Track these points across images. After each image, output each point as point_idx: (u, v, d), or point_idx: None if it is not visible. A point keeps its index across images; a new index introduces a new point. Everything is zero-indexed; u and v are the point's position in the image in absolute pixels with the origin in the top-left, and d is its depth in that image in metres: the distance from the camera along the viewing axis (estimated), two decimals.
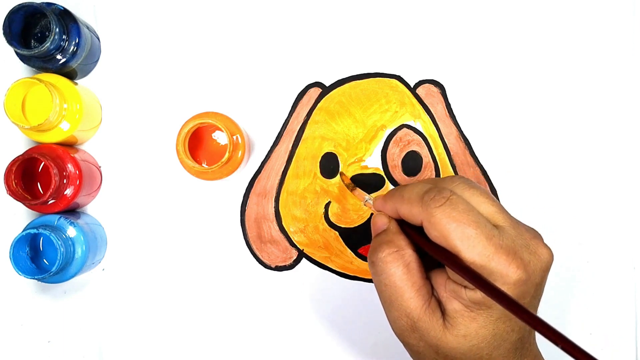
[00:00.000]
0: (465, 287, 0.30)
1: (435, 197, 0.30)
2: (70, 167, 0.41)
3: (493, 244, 0.28)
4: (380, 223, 0.34)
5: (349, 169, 0.45)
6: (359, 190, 0.41)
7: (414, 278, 0.31)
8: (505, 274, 0.28)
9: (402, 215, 0.32)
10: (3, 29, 0.38)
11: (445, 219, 0.29)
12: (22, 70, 0.44)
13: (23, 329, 0.45)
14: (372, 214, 0.45)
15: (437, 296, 0.32)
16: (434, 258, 0.32)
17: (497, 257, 0.28)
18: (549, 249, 0.31)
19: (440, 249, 0.30)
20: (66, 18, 0.41)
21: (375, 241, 0.33)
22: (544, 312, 0.34)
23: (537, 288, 0.30)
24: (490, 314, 0.30)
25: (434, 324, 0.31)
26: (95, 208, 0.45)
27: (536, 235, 0.31)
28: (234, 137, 0.42)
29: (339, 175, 0.45)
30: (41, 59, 0.40)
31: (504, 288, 0.28)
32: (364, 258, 0.45)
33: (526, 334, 0.32)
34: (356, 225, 0.45)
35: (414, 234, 0.32)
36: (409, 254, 0.32)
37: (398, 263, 0.31)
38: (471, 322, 0.30)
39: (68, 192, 0.41)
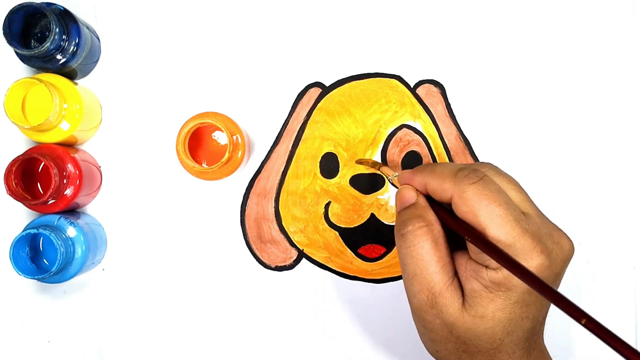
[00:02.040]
0: (486, 267, 0.30)
1: (470, 175, 0.30)
2: (70, 167, 0.41)
3: (520, 226, 0.29)
4: (408, 196, 0.34)
5: (349, 168, 0.45)
6: (385, 168, 0.40)
7: (441, 253, 0.32)
8: (530, 257, 0.29)
9: (431, 190, 0.33)
10: (3, 29, 0.38)
11: (477, 196, 0.29)
12: (22, 70, 0.44)
13: (23, 329, 0.45)
14: (372, 214, 0.45)
15: (458, 276, 0.32)
16: (456, 240, 0.33)
17: (523, 239, 0.29)
18: (571, 240, 0.31)
19: (467, 225, 0.30)
20: (66, 18, 0.41)
21: (404, 214, 0.33)
22: None
23: (557, 278, 0.31)
24: (508, 296, 0.30)
25: (453, 302, 0.31)
26: (95, 208, 0.45)
27: (559, 227, 0.32)
28: (234, 137, 0.42)
29: (338, 177, 0.45)
30: (41, 59, 0.40)
31: None
32: (364, 258, 0.45)
33: (537, 324, 0.32)
34: (356, 225, 0.45)
35: (440, 209, 0.33)
36: (438, 229, 0.32)
37: (427, 237, 0.32)
38: (489, 303, 0.30)
39: (68, 192, 0.41)
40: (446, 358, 0.33)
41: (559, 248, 0.30)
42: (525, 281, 0.27)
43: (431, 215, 0.33)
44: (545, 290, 0.26)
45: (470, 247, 0.31)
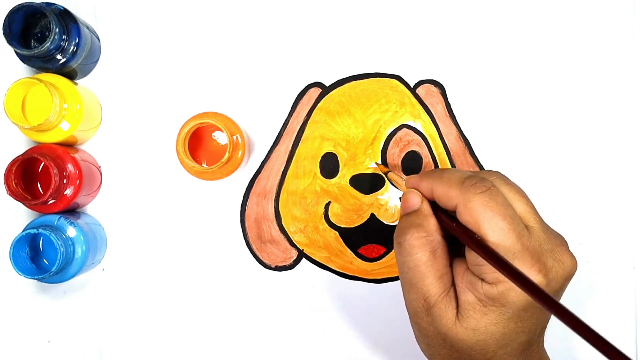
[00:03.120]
0: (482, 280, 0.30)
1: (477, 184, 0.30)
2: (70, 167, 0.41)
3: (521, 242, 0.28)
4: (412, 202, 0.33)
5: (349, 168, 0.45)
6: (393, 175, 0.40)
7: (438, 265, 0.31)
8: (527, 275, 0.28)
9: (437, 195, 0.32)
10: (3, 29, 0.38)
11: (482, 207, 0.29)
12: (22, 70, 0.44)
13: (23, 329, 0.45)
14: (372, 214, 0.45)
15: (455, 286, 0.32)
16: (458, 248, 0.32)
17: (522, 256, 0.28)
18: (574, 258, 0.30)
19: (471, 233, 0.29)
20: (66, 18, 0.41)
21: (404, 221, 0.33)
22: None
23: (556, 295, 0.30)
24: (502, 311, 0.29)
25: (447, 313, 0.31)
26: (95, 208, 0.45)
27: (563, 242, 0.31)
28: (234, 137, 0.42)
29: (338, 177, 0.45)
30: (41, 59, 0.40)
31: (519, 292, 0.28)
32: (364, 258, 0.45)
33: (535, 337, 0.32)
34: (356, 225, 0.45)
35: (445, 217, 0.32)
36: (438, 240, 0.32)
37: (425, 248, 0.31)
38: (482, 316, 0.30)
39: (68, 192, 0.41)
40: None
41: (560, 265, 0.30)
42: (528, 292, 0.26)
43: (432, 225, 0.32)
44: (549, 302, 0.25)
45: (469, 258, 0.31)
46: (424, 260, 0.31)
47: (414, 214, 0.33)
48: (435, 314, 0.31)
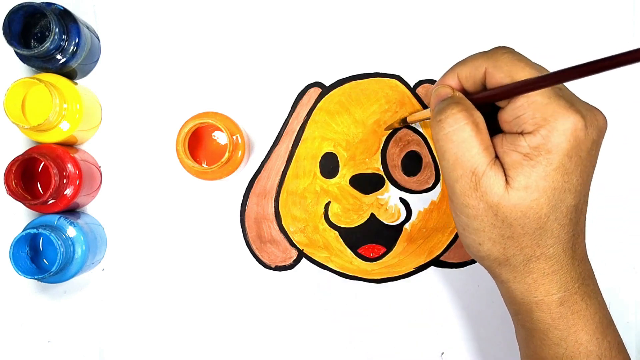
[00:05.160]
0: (522, 133, 0.31)
1: (499, 49, 0.32)
2: (70, 167, 0.41)
3: (554, 90, 0.30)
4: (444, 92, 0.34)
5: (349, 168, 0.45)
6: (412, 115, 0.40)
7: (483, 136, 0.32)
8: (566, 116, 0.29)
9: (464, 76, 0.34)
10: (3, 29, 0.38)
11: (512, 61, 0.31)
12: (22, 70, 0.44)
13: (23, 329, 0.45)
14: (372, 214, 0.45)
15: (497, 156, 0.32)
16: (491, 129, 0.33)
17: (558, 99, 0.30)
18: (604, 115, 0.32)
19: (503, 86, 0.31)
20: (66, 18, 0.41)
21: (441, 104, 0.33)
22: None
23: (593, 145, 0.31)
24: (549, 160, 0.30)
25: (498, 180, 0.31)
26: (95, 208, 0.45)
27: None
28: (234, 137, 0.42)
29: (338, 177, 0.45)
30: (41, 59, 0.40)
31: (561, 132, 0.30)
32: (364, 258, 0.45)
33: (580, 203, 0.33)
34: (356, 225, 0.45)
35: (475, 92, 0.33)
36: (478, 114, 0.32)
37: (468, 120, 0.32)
38: (531, 170, 0.30)
39: (68, 192, 0.41)
40: (489, 251, 0.33)
41: (593, 115, 0.31)
42: (561, 78, 0.27)
43: (469, 103, 0.33)
44: (572, 71, 0.27)
45: (505, 118, 0.32)
46: (468, 131, 0.31)
47: (449, 97, 0.33)
48: (485, 184, 0.31)
